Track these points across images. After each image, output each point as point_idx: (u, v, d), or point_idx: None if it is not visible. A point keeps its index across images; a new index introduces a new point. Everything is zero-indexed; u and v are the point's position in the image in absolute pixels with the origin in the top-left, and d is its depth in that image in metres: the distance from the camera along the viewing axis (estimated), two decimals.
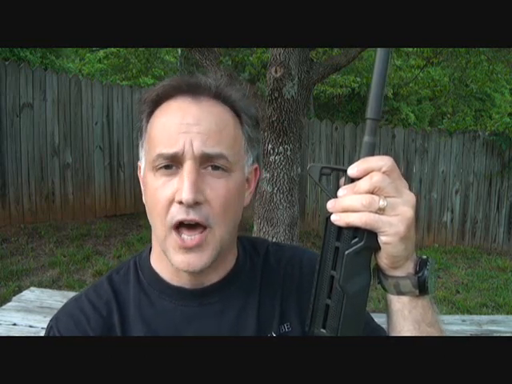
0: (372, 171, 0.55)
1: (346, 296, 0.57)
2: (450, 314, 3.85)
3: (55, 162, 5.44)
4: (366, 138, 0.57)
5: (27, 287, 2.95)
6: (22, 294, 2.51)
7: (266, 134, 3.36)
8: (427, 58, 5.38)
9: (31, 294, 2.45)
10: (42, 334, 0.74)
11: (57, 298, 2.40)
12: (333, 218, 0.56)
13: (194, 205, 0.62)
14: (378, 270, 0.61)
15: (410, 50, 5.43)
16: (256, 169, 0.75)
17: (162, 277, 0.73)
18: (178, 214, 0.63)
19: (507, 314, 4.04)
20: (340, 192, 0.57)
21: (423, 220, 6.19)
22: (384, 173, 0.55)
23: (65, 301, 0.75)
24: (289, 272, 0.77)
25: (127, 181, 6.22)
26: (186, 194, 0.61)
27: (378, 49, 0.57)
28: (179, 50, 9.48)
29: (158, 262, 0.74)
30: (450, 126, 6.25)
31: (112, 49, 7.30)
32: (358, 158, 0.57)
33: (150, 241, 0.76)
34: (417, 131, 6.40)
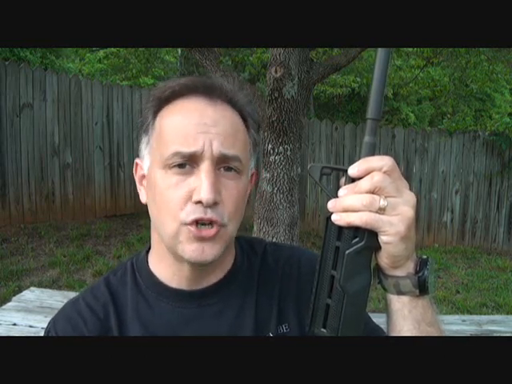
0: (373, 171, 0.55)
1: (346, 296, 0.57)
2: (450, 313, 3.85)
3: (55, 162, 5.44)
4: (367, 138, 0.58)
5: (27, 287, 2.95)
6: (22, 294, 2.51)
7: (265, 134, 3.36)
8: (427, 57, 5.38)
9: (31, 294, 2.45)
10: (42, 334, 0.74)
11: (57, 298, 2.40)
12: (333, 217, 0.56)
13: (213, 204, 0.63)
14: (379, 269, 0.61)
15: (410, 50, 5.43)
16: (253, 174, 0.75)
17: (159, 279, 0.73)
18: (194, 212, 0.63)
19: (507, 314, 4.04)
20: (341, 192, 0.57)
21: (423, 220, 6.19)
22: (385, 173, 0.55)
23: (65, 301, 0.75)
24: (287, 272, 0.77)
25: (127, 181, 6.22)
26: (206, 194, 0.61)
27: (379, 49, 0.57)
28: (179, 50, 9.48)
29: (156, 263, 0.74)
30: (449, 126, 6.26)
31: (112, 49, 7.30)
32: (359, 158, 0.57)
33: (149, 241, 0.76)
34: (417, 131, 6.40)
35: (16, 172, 5.08)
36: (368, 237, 0.56)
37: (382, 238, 0.56)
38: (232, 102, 0.69)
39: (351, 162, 0.57)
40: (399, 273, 0.59)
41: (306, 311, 0.61)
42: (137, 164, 0.73)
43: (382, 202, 0.54)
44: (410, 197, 0.56)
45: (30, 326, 2.08)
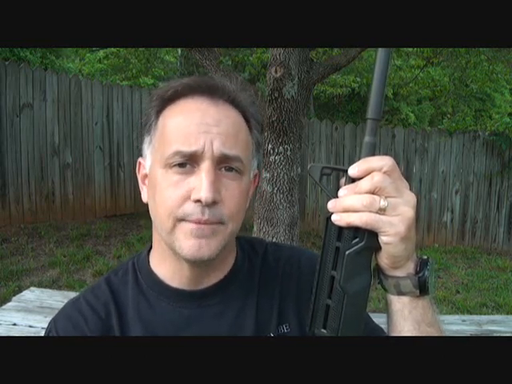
0: (373, 171, 0.55)
1: (346, 296, 0.57)
2: (450, 314, 3.84)
3: (55, 162, 5.44)
4: (367, 138, 0.57)
5: (27, 287, 2.95)
6: (22, 294, 2.51)
7: (266, 134, 3.36)
8: (427, 57, 5.38)
9: (31, 294, 2.45)
10: (42, 334, 0.73)
11: (57, 298, 2.40)
12: (333, 218, 0.56)
13: (212, 204, 0.63)
14: (379, 270, 0.61)
15: (410, 50, 5.43)
16: (256, 175, 0.75)
17: (160, 278, 0.73)
18: (192, 213, 0.63)
19: (507, 314, 4.04)
20: (341, 192, 0.57)
21: (423, 220, 6.19)
22: (385, 173, 0.55)
23: (65, 301, 0.75)
24: (287, 272, 0.77)
25: (127, 181, 6.22)
26: (206, 193, 0.61)
27: (379, 49, 0.57)
28: (179, 50, 9.48)
29: (158, 263, 0.74)
30: (449, 126, 6.26)
31: (112, 49, 7.30)
32: (359, 158, 0.57)
33: (150, 241, 0.76)
34: (417, 131, 6.40)
35: (16, 172, 5.08)
36: (368, 237, 0.56)
37: (382, 239, 0.56)
38: (234, 103, 0.69)
39: (351, 162, 0.57)
40: (399, 273, 0.59)
41: (306, 311, 0.61)
42: (139, 163, 0.74)
43: (382, 203, 0.54)
44: (410, 197, 0.56)
45: (30, 326, 2.08)
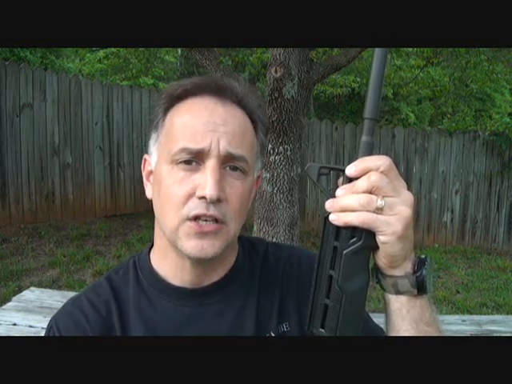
0: (370, 171, 0.55)
1: (344, 296, 0.57)
2: (450, 314, 3.85)
3: (55, 162, 5.44)
4: (364, 138, 0.58)
5: (27, 287, 2.95)
6: (22, 294, 2.51)
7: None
8: (427, 57, 5.38)
9: (31, 294, 2.45)
10: (42, 333, 0.74)
11: (57, 298, 2.40)
12: (331, 217, 0.57)
13: (216, 201, 0.63)
14: (377, 269, 0.61)
15: (410, 50, 5.43)
16: (258, 176, 0.76)
17: (162, 276, 0.73)
18: (196, 208, 0.64)
19: (507, 314, 4.04)
20: (338, 192, 0.57)
21: (423, 220, 6.19)
22: (382, 172, 0.55)
23: (65, 301, 0.75)
24: (287, 271, 0.77)
25: (127, 181, 6.22)
26: (210, 190, 0.62)
27: (376, 49, 0.57)
28: (179, 50, 9.48)
29: (159, 260, 0.74)
30: (450, 126, 6.26)
31: (112, 49, 7.30)
32: (356, 158, 0.57)
33: (149, 241, 0.76)
34: (417, 131, 6.40)
35: (16, 172, 5.08)
36: (365, 236, 0.56)
37: (380, 238, 0.56)
38: (242, 104, 0.70)
39: (351, 162, 0.57)
40: (397, 272, 0.59)
41: (305, 310, 0.61)
42: (145, 160, 0.74)
43: (380, 202, 0.54)
44: (407, 196, 0.56)
45: (30, 326, 2.08)
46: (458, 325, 2.34)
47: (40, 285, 3.86)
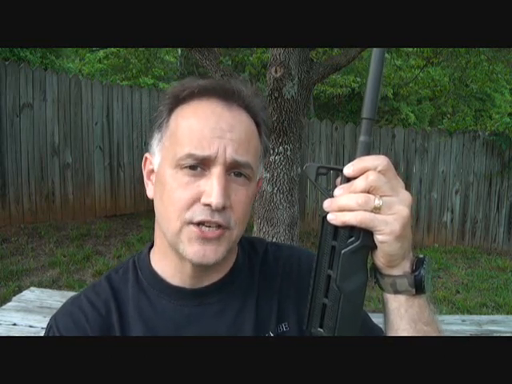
0: (368, 170, 0.55)
1: (342, 295, 0.57)
2: (450, 314, 3.85)
3: (55, 162, 5.44)
4: (362, 138, 0.58)
5: (27, 287, 2.95)
6: (22, 294, 2.51)
7: None
8: (427, 57, 5.38)
9: (31, 294, 2.45)
10: (42, 333, 0.74)
11: (57, 298, 2.39)
12: (329, 217, 0.57)
13: (221, 209, 0.63)
14: (375, 269, 0.61)
15: (410, 50, 5.43)
16: (260, 179, 0.75)
17: (161, 276, 0.73)
18: (201, 214, 0.63)
19: (507, 314, 4.04)
20: (336, 191, 0.57)
21: (423, 220, 6.19)
22: (380, 172, 0.55)
23: (65, 301, 0.75)
24: (287, 271, 0.77)
25: (127, 181, 6.22)
26: (217, 199, 0.62)
27: (374, 49, 0.57)
28: (179, 50, 9.48)
29: (159, 260, 0.74)
30: (450, 126, 6.25)
31: (112, 49, 7.30)
32: (354, 158, 0.57)
33: (149, 240, 0.76)
34: (417, 131, 6.40)
35: (16, 172, 5.08)
36: (363, 236, 0.56)
37: (378, 237, 0.56)
38: (248, 108, 0.69)
39: (351, 161, 0.57)
40: (395, 272, 0.59)
41: (304, 310, 0.61)
42: (146, 158, 0.74)
43: (377, 202, 0.54)
44: (405, 196, 0.56)
45: (30, 326, 2.08)
46: (457, 325, 2.34)
47: (40, 285, 3.86)
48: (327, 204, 0.57)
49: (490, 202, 6.16)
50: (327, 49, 4.82)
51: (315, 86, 4.76)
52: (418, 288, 0.59)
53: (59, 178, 5.50)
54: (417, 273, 0.59)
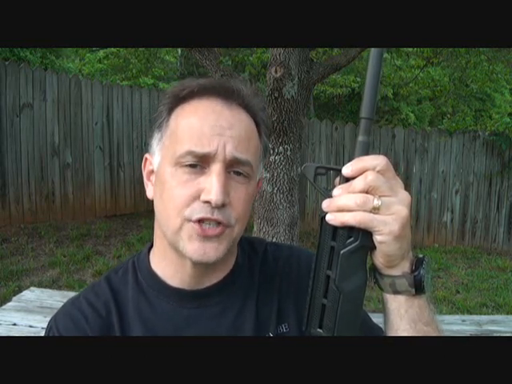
0: (366, 170, 0.55)
1: (341, 295, 0.57)
2: (450, 313, 3.85)
3: (55, 162, 5.44)
4: (361, 138, 0.58)
5: (27, 287, 2.95)
6: (22, 294, 2.51)
7: None
8: (427, 58, 5.38)
9: (31, 294, 2.45)
10: (42, 334, 0.73)
11: (57, 298, 2.39)
12: (328, 217, 0.56)
13: (221, 206, 0.63)
14: (374, 269, 0.61)
15: (410, 50, 5.43)
16: (260, 179, 0.75)
17: (161, 277, 0.73)
18: (201, 211, 0.63)
19: (507, 314, 4.04)
20: (335, 191, 0.57)
21: (423, 220, 6.19)
22: (378, 172, 0.55)
23: (65, 301, 0.75)
24: (286, 271, 0.77)
25: (127, 181, 6.22)
26: (216, 196, 0.62)
27: (372, 49, 0.57)
28: (179, 50, 9.48)
29: (159, 262, 0.74)
30: (450, 126, 6.26)
31: (112, 49, 7.30)
32: (353, 158, 0.57)
33: (149, 240, 0.76)
34: (417, 131, 6.40)
35: (16, 172, 5.08)
36: (362, 236, 0.56)
37: (377, 238, 0.56)
38: (247, 107, 0.69)
39: (350, 161, 0.57)
40: (395, 272, 0.59)
41: (304, 310, 0.61)
42: (146, 159, 0.73)
43: (376, 202, 0.54)
44: (404, 196, 0.56)
45: (30, 326, 2.08)
46: (458, 325, 2.34)
47: (40, 285, 3.86)
48: (326, 204, 0.57)
49: (490, 201, 6.16)
50: (327, 49, 4.82)
51: (315, 86, 4.76)
52: (418, 288, 0.59)
53: (59, 178, 5.49)
54: (416, 273, 0.59)
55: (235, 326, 0.71)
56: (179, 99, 0.69)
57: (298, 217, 3.55)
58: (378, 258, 0.59)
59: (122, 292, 0.73)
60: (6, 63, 5.00)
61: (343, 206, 0.55)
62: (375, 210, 0.54)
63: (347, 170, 0.56)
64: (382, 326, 0.69)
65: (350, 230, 0.56)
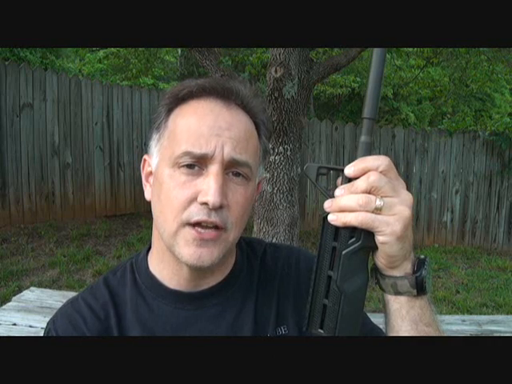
0: (369, 171, 0.55)
1: (343, 296, 0.57)
2: (450, 314, 3.85)
3: (55, 162, 5.44)
4: (363, 138, 0.58)
5: (27, 287, 2.95)
6: (21, 293, 2.51)
7: None
8: (427, 58, 5.39)
9: (31, 294, 2.45)
10: (41, 334, 0.73)
11: (57, 298, 2.40)
12: (330, 217, 0.56)
13: (218, 208, 0.62)
14: (376, 269, 0.61)
15: (410, 50, 5.43)
16: (260, 181, 0.75)
17: (159, 279, 0.72)
18: (198, 214, 0.63)
19: (507, 314, 4.04)
20: (337, 192, 0.57)
21: (423, 220, 6.19)
22: (381, 172, 0.55)
23: (64, 301, 0.75)
24: (286, 272, 0.77)
25: (127, 181, 6.22)
26: (214, 197, 0.61)
27: (374, 49, 0.57)
28: (179, 50, 9.48)
29: (156, 263, 0.73)
30: (450, 126, 6.25)
31: (112, 49, 7.30)
32: (355, 158, 0.57)
33: (150, 240, 0.75)
34: (417, 131, 6.40)
35: (16, 172, 5.08)
36: (364, 237, 0.56)
37: (379, 238, 0.56)
38: (247, 108, 0.69)
39: (351, 162, 0.57)
40: (396, 273, 0.59)
41: (303, 311, 0.61)
42: (145, 160, 0.73)
43: (378, 202, 0.54)
44: (406, 196, 0.56)
45: (30, 326, 2.08)
46: (458, 325, 2.34)
47: (40, 285, 3.86)
48: (328, 204, 0.57)
49: (490, 202, 6.16)
50: (327, 49, 4.82)
51: (315, 86, 4.76)
52: (419, 289, 0.59)
53: (59, 178, 5.49)
54: (418, 274, 0.59)
55: (234, 327, 0.71)
56: (178, 100, 0.68)
57: (298, 217, 3.55)
58: (380, 259, 0.58)
59: (120, 294, 0.73)
60: (6, 63, 5.00)
61: (345, 206, 0.55)
62: (377, 211, 0.54)
63: (349, 170, 0.56)
64: (382, 326, 0.69)
65: (352, 231, 0.56)
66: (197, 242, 0.63)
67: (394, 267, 0.59)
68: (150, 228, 0.73)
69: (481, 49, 4.89)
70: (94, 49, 8.99)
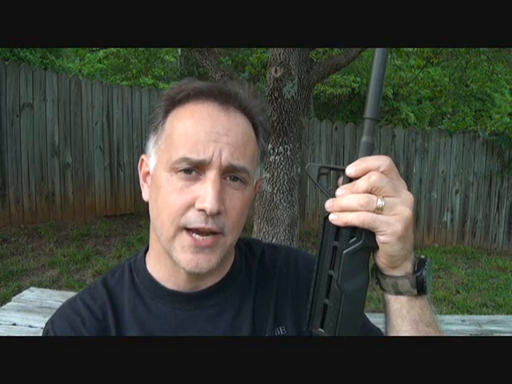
0: (370, 171, 0.55)
1: (343, 295, 0.57)
2: (450, 314, 3.85)
3: (55, 162, 5.44)
4: (364, 138, 0.58)
5: (27, 287, 2.95)
6: (21, 293, 2.51)
7: None
8: (427, 58, 5.39)
9: (31, 294, 2.45)
10: (41, 334, 0.73)
11: (57, 298, 2.39)
12: (331, 217, 0.56)
13: (216, 214, 0.62)
14: (376, 269, 0.61)
15: (410, 50, 5.43)
16: (258, 182, 0.74)
17: (157, 280, 0.72)
18: (195, 221, 0.63)
19: (507, 314, 4.04)
20: (338, 191, 0.57)
21: (423, 220, 6.19)
22: (382, 172, 0.55)
23: (64, 301, 0.75)
24: (284, 273, 0.77)
25: (127, 181, 6.22)
26: (211, 204, 0.61)
27: (376, 49, 0.57)
28: (179, 50, 9.48)
29: (154, 264, 0.73)
30: (450, 126, 6.26)
31: (112, 49, 7.29)
32: (357, 158, 0.57)
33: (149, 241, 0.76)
34: (417, 131, 6.40)
35: (16, 172, 5.08)
36: (365, 237, 0.56)
37: (380, 238, 0.56)
38: (245, 111, 0.68)
39: (351, 161, 0.57)
40: (397, 273, 0.59)
41: (302, 312, 0.61)
42: (142, 160, 0.73)
43: (380, 202, 0.54)
44: (407, 196, 0.56)
45: (30, 326, 2.08)
46: (458, 325, 2.34)
47: (40, 285, 3.86)
48: (329, 204, 0.57)
49: (490, 202, 6.17)
50: (327, 49, 4.82)
51: (315, 86, 4.76)
52: (420, 289, 0.59)
53: (59, 178, 5.49)
54: (418, 274, 0.59)
55: (232, 328, 0.70)
56: (175, 102, 0.68)
57: (297, 217, 3.55)
58: (381, 259, 0.58)
59: (118, 294, 0.73)
60: (6, 63, 5.00)
61: (346, 206, 0.55)
62: (378, 211, 0.54)
63: (351, 170, 0.56)
64: (382, 326, 0.69)
65: (353, 230, 0.56)
66: (193, 248, 0.63)
67: (394, 267, 0.59)
68: (149, 228, 0.73)
69: (481, 49, 4.89)
70: (93, 49, 8.98)
